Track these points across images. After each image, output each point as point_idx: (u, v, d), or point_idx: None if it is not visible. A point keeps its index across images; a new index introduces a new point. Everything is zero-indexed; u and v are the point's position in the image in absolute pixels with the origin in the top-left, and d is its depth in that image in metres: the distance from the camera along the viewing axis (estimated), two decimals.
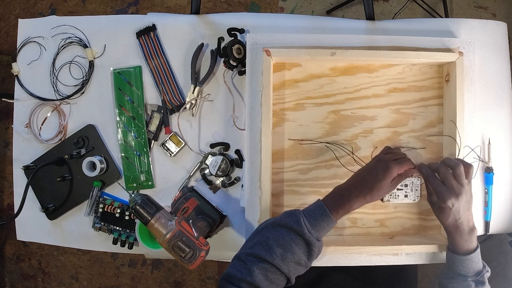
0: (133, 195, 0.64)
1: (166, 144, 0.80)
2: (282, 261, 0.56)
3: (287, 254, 0.57)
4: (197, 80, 0.80)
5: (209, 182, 0.80)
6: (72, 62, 0.83)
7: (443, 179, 0.63)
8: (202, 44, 0.80)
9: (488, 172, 0.79)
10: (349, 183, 0.64)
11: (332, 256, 0.75)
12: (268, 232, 0.59)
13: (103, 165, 0.80)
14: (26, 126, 0.83)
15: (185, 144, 0.80)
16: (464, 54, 0.74)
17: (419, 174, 0.66)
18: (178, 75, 0.81)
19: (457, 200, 0.61)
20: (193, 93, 0.79)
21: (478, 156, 0.77)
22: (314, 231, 0.59)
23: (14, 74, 0.84)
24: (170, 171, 0.81)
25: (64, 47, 0.83)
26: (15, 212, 0.77)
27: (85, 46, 0.82)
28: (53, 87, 0.83)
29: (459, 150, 0.73)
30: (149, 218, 0.62)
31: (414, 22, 0.82)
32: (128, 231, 0.80)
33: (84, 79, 0.82)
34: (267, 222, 0.62)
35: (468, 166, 0.63)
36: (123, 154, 0.81)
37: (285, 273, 0.57)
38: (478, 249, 0.65)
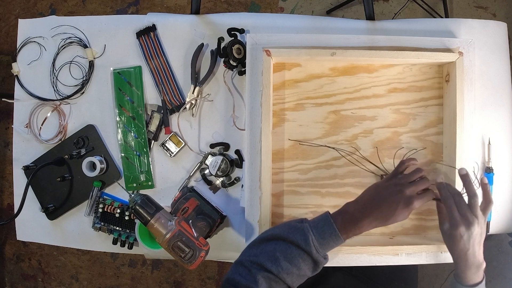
0: (133, 195, 0.64)
1: (166, 144, 0.80)
2: (287, 275, 0.56)
3: (293, 269, 0.56)
4: (197, 80, 0.80)
5: (209, 182, 0.80)
6: (72, 62, 0.83)
7: (457, 205, 0.61)
8: (202, 44, 0.80)
9: (488, 172, 0.79)
10: (363, 206, 0.61)
11: (332, 256, 0.75)
12: (276, 244, 0.58)
13: (103, 165, 0.80)
14: (26, 126, 0.83)
15: (185, 144, 0.80)
16: (464, 54, 0.74)
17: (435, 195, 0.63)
18: (178, 75, 0.81)
19: (468, 231, 0.60)
20: (193, 93, 0.79)
21: (475, 175, 0.75)
22: (322, 249, 0.57)
23: (14, 74, 0.84)
24: (170, 171, 0.81)
25: (64, 47, 0.83)
26: (15, 212, 0.77)
27: (85, 46, 0.82)
28: (53, 87, 0.83)
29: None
30: (149, 218, 0.62)
31: (414, 22, 0.82)
32: (128, 231, 0.80)
33: (84, 79, 0.82)
34: (272, 232, 0.60)
35: (488, 201, 0.62)
36: (123, 154, 0.81)
37: (289, 284, 0.57)
38: (484, 281, 0.64)
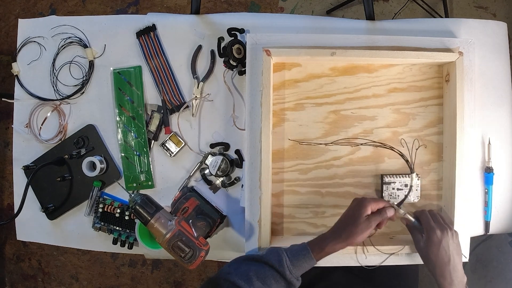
0: (133, 195, 0.64)
1: (166, 144, 0.80)
2: None
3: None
4: (197, 80, 0.80)
5: (209, 182, 0.80)
6: (72, 62, 0.83)
7: (432, 217, 0.68)
8: (201, 44, 0.80)
9: (488, 172, 0.79)
10: (332, 228, 0.66)
11: (332, 256, 0.74)
12: (250, 264, 0.61)
13: (103, 165, 0.80)
14: (26, 126, 0.83)
15: (185, 144, 0.80)
16: (464, 54, 0.74)
17: (396, 215, 0.68)
18: (178, 75, 0.81)
19: (445, 235, 0.64)
20: (197, 88, 0.79)
21: None
22: (295, 270, 0.61)
23: (14, 74, 0.84)
24: (170, 171, 0.81)
25: (64, 47, 0.83)
26: (15, 212, 0.77)
27: (85, 46, 0.82)
28: (53, 87, 0.83)
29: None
30: (149, 218, 0.62)
31: (414, 22, 0.82)
32: (128, 231, 0.80)
33: (84, 79, 0.82)
34: (249, 254, 0.65)
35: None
36: (123, 154, 0.81)
37: None
38: None
